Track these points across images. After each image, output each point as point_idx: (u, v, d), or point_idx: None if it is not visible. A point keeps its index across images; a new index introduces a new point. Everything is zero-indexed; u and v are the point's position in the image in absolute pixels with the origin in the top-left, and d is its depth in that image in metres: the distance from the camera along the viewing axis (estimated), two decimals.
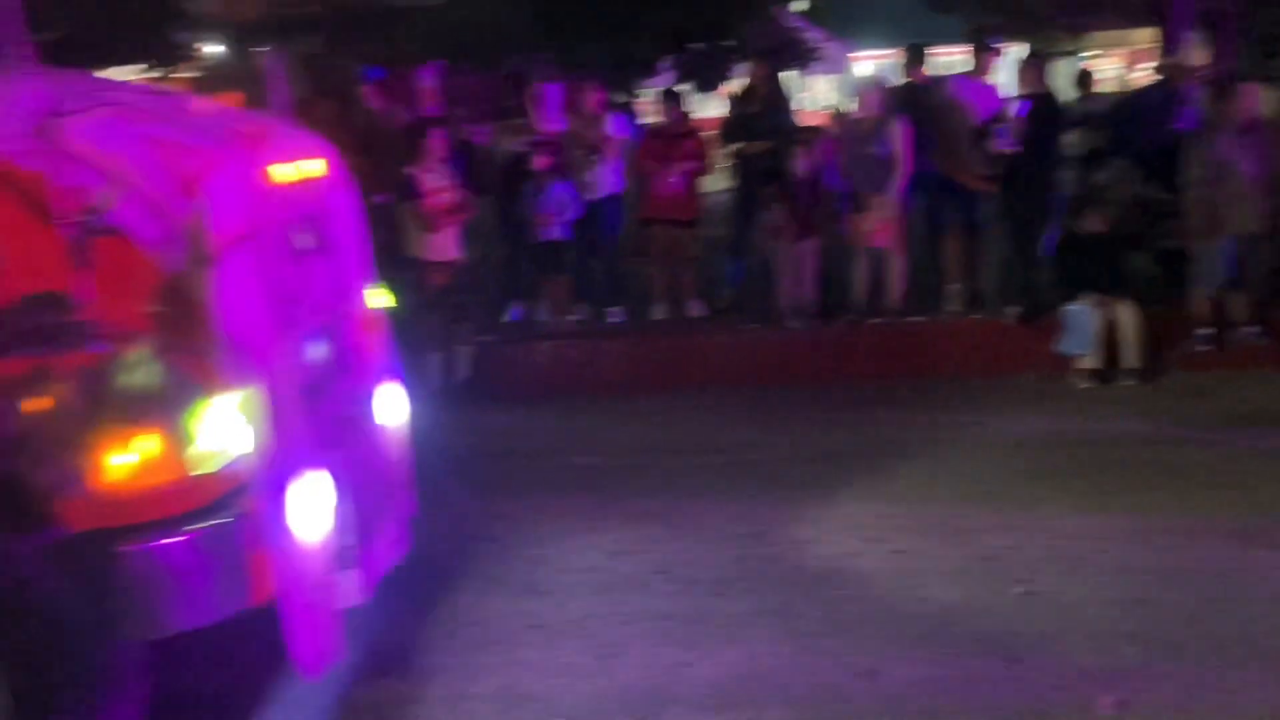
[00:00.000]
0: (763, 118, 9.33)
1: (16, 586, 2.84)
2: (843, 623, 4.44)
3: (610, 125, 9.83)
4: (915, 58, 9.40)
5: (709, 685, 4.00)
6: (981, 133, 8.58)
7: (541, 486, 6.08)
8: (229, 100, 5.18)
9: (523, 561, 5.05)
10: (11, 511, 2.83)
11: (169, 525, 2.96)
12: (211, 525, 3.03)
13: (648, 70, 15.53)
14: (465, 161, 8.81)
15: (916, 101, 8.94)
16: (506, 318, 9.29)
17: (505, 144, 9.73)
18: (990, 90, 8.98)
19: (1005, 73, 9.62)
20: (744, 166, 9.51)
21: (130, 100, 3.42)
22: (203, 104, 3.97)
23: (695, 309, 9.37)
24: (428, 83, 10.09)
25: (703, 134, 9.71)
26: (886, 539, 5.28)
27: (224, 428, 3.08)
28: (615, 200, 9.61)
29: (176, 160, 3.14)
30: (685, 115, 9.77)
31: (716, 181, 10.36)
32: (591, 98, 9.70)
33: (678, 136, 9.38)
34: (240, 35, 16.37)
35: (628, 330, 9.19)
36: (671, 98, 9.88)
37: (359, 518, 3.69)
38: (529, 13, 14.28)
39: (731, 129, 9.76)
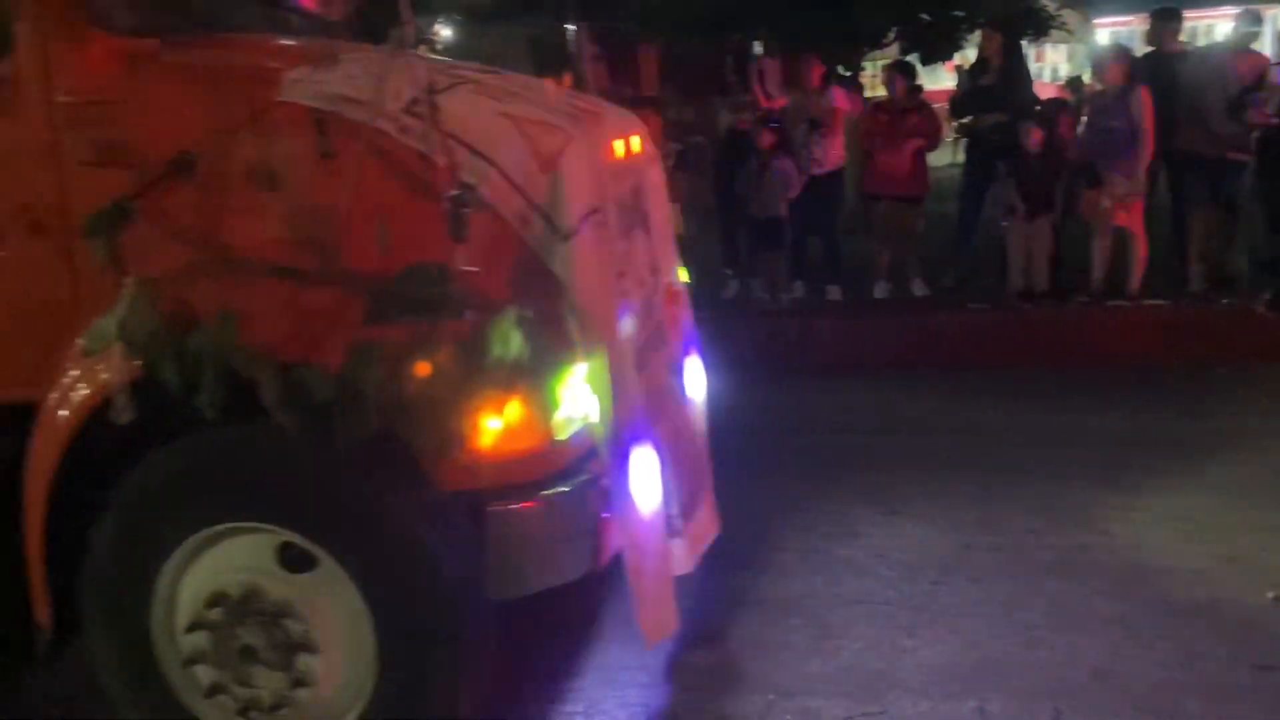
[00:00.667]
0: (996, 90, 8.98)
1: (397, 540, 3.05)
2: (1072, 618, 4.27)
3: (833, 99, 9.71)
4: (1164, 23, 8.82)
5: (931, 671, 3.95)
6: (1238, 103, 7.99)
7: (760, 462, 6.10)
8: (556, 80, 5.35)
9: (741, 539, 5.10)
10: (394, 469, 3.02)
11: (532, 488, 3.10)
12: (568, 489, 3.15)
13: (872, 42, 15.16)
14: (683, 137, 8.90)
15: (1163, 70, 8.40)
16: (723, 294, 9.34)
17: (726, 120, 9.76)
18: (1250, 57, 8.34)
19: (1270, 40, 8.90)
20: (975, 141, 9.20)
21: (484, 79, 3.59)
22: (544, 83, 4.11)
23: (918, 287, 9.15)
24: (648, 59, 10.25)
25: (932, 107, 9.44)
26: (1122, 533, 5.04)
27: (578, 395, 3.22)
28: (836, 175, 9.49)
29: (536, 136, 3.27)
30: (914, 88, 9.52)
31: (943, 156, 10.06)
32: (814, 71, 9.60)
33: (905, 111, 9.16)
34: (468, 17, 16.93)
35: (848, 308, 9.07)
36: (900, 70, 9.64)
37: (680, 489, 3.78)
38: None
39: (963, 102, 9.46)
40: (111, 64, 3.20)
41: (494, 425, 3.05)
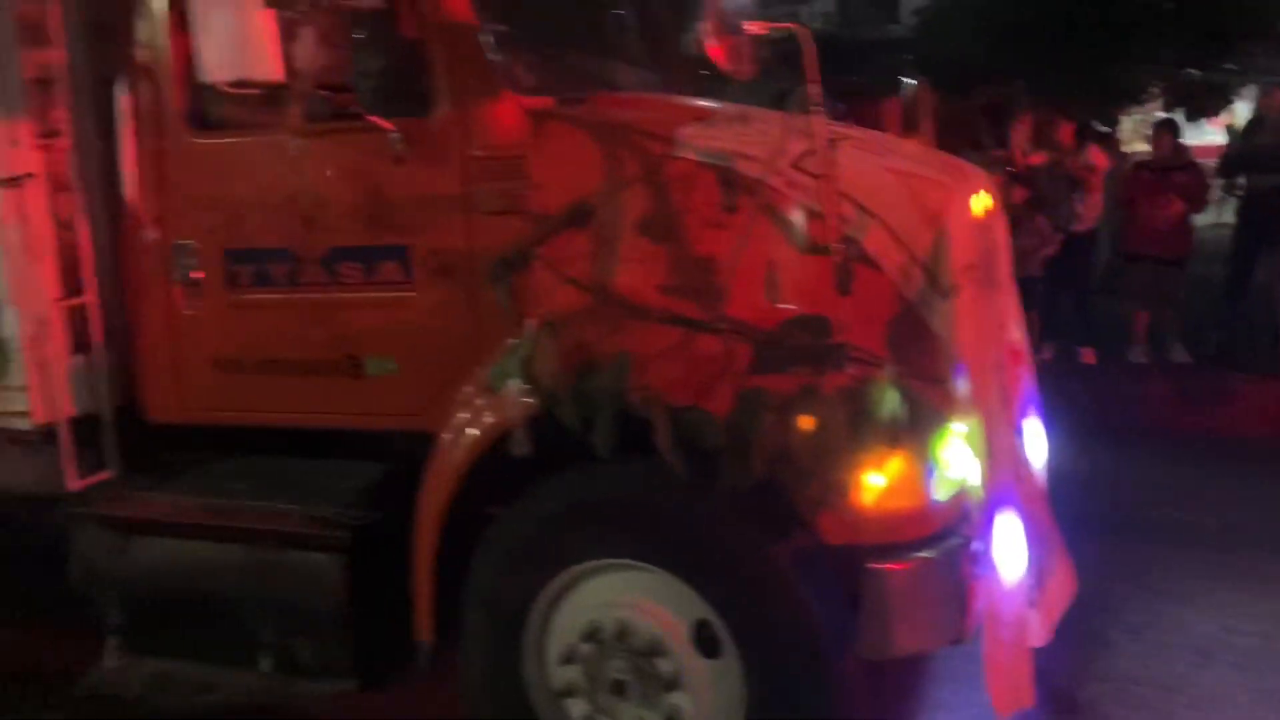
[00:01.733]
0: (1274, 148, 8.58)
1: (770, 587, 3.11)
2: None
3: (1090, 155, 9.46)
4: None
5: None
6: None
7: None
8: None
9: (1121, 616, 4.89)
10: (773, 516, 3.08)
11: (909, 548, 3.09)
12: (944, 552, 3.13)
13: (1132, 97, 14.66)
14: None
15: None
16: None
17: None
18: None
19: None
20: (1248, 202, 8.80)
21: (858, 134, 3.70)
22: (908, 139, 4.16)
23: (1178, 353, 8.77)
24: (898, 114, 10.21)
25: (1199, 166, 9.09)
26: None
27: (957, 456, 3.20)
28: (1090, 233, 9.23)
29: (920, 191, 3.36)
30: (1181, 146, 9.19)
31: (1207, 215, 9.66)
32: (1071, 127, 9.38)
33: (1170, 169, 8.85)
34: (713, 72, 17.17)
35: (1103, 371, 8.76)
36: (1167, 127, 9.32)
37: (1034, 555, 3.68)
38: (1004, 41, 13.90)
39: (1235, 161, 9.07)
40: (518, 121, 3.44)
41: (876, 481, 3.08)
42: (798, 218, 3.20)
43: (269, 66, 3.27)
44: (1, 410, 3.82)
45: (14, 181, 3.67)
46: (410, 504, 3.49)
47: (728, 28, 3.12)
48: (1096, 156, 9.55)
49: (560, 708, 3.39)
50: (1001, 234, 4.05)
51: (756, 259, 3.20)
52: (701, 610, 3.21)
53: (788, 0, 16.59)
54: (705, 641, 3.21)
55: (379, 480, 3.78)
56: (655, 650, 3.27)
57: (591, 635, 3.33)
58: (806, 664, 3.14)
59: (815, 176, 3.12)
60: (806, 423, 3.02)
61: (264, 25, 3.25)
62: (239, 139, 3.72)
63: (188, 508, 3.83)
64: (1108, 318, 9.20)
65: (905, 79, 4.33)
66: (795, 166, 3.26)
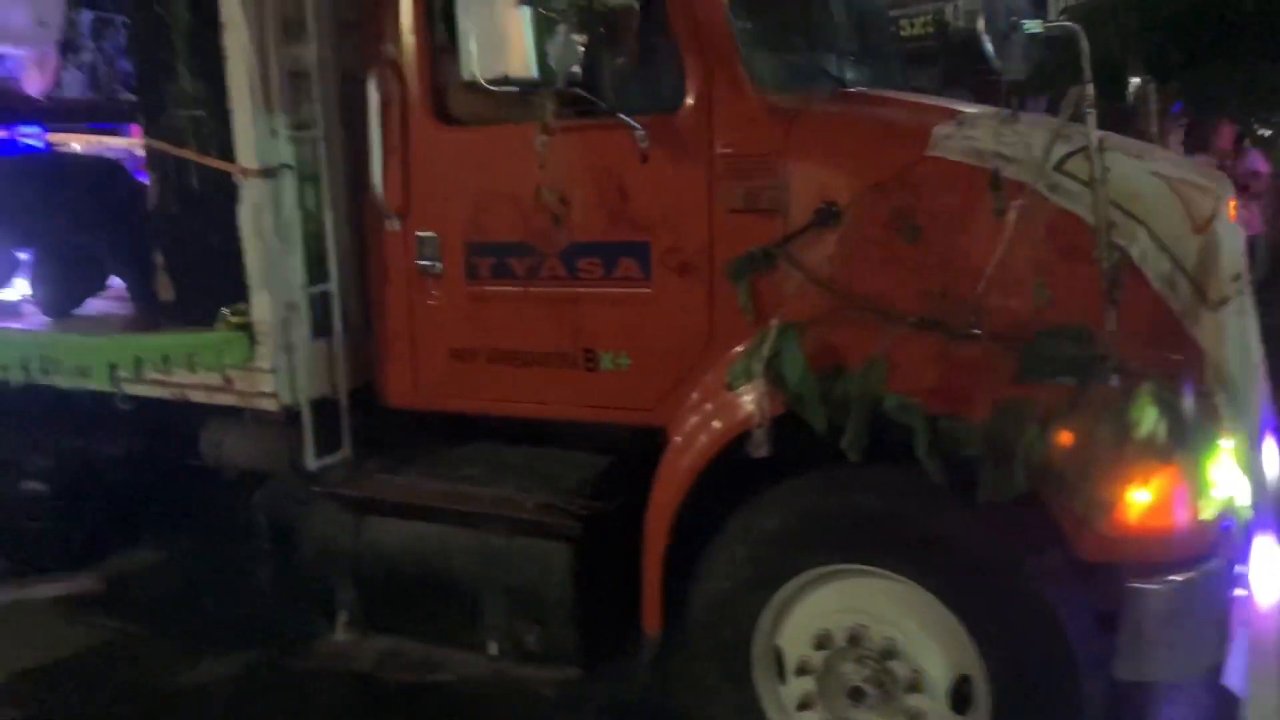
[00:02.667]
0: None
1: (1023, 601, 3.03)
2: None
3: (1253, 161, 9.02)
4: None
5: None
6: None
7: None
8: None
9: None
10: (1031, 530, 3.02)
11: (1173, 567, 2.99)
12: (1207, 573, 3.03)
13: None
14: None
15: None
16: None
17: None
18: None
19: None
20: None
21: (1116, 139, 3.58)
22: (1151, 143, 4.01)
23: None
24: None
25: None
26: None
27: (1224, 474, 3.08)
28: (1251, 242, 8.73)
29: (1189, 198, 3.25)
30: None
31: None
32: (1232, 131, 8.95)
33: None
34: None
35: None
36: None
37: None
38: (1159, 41, 13.25)
39: None
40: (765, 119, 3.42)
41: (1141, 497, 2.96)
42: (1060, 222, 3.11)
43: (526, 63, 3.32)
44: (249, 390, 4.00)
45: (271, 172, 3.82)
46: (636, 496, 3.53)
47: (1004, 27, 3.03)
48: (1259, 162, 9.09)
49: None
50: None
51: (1018, 265, 3.10)
52: (949, 618, 3.14)
53: None
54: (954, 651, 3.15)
55: (605, 471, 3.82)
56: (890, 654, 3.22)
57: (823, 642, 3.31)
58: (1057, 683, 3.05)
59: (1083, 181, 3.01)
60: (1070, 435, 2.93)
61: (520, 22, 3.31)
62: (484, 134, 3.80)
63: (421, 490, 3.95)
64: (1267, 330, 8.69)
65: (1133, 78, 4.10)
66: (1060, 170, 3.16)
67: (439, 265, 3.89)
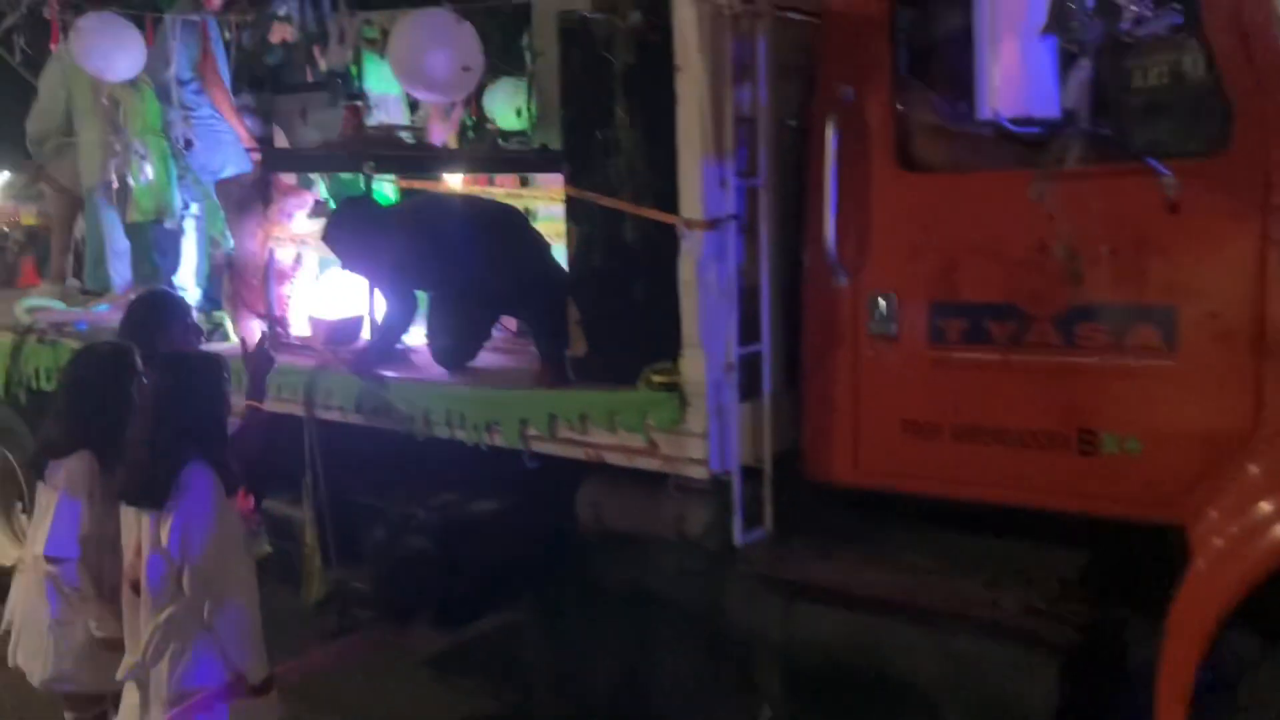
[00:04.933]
0: None
1: None
2: None
3: None
4: None
5: None
6: None
7: None
8: None
9: None
10: None
11: None
12: None
13: None
14: None
15: None
16: None
17: None
18: None
19: None
20: None
21: None
22: None
23: None
24: None
25: None
26: None
27: None
28: None
29: None
30: None
31: None
32: None
33: None
34: None
35: None
36: None
37: None
38: None
39: None
40: None
41: None
42: None
43: (1047, 100, 2.92)
44: (676, 455, 3.71)
45: (717, 224, 3.55)
46: (1129, 603, 3.02)
47: None
48: None
49: None
50: None
51: None
52: None
53: None
54: None
55: (1087, 570, 3.32)
56: None
57: None
58: None
59: None
60: None
61: (1044, 55, 2.91)
62: (958, 181, 3.41)
63: (864, 578, 3.54)
64: None
65: None
66: None
67: (894, 327, 3.51)
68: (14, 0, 6.38)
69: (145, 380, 3.69)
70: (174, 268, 6.13)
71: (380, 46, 5.61)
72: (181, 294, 6.01)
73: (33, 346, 5.71)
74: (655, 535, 4.07)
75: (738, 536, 3.68)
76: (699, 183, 3.54)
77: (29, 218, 7.53)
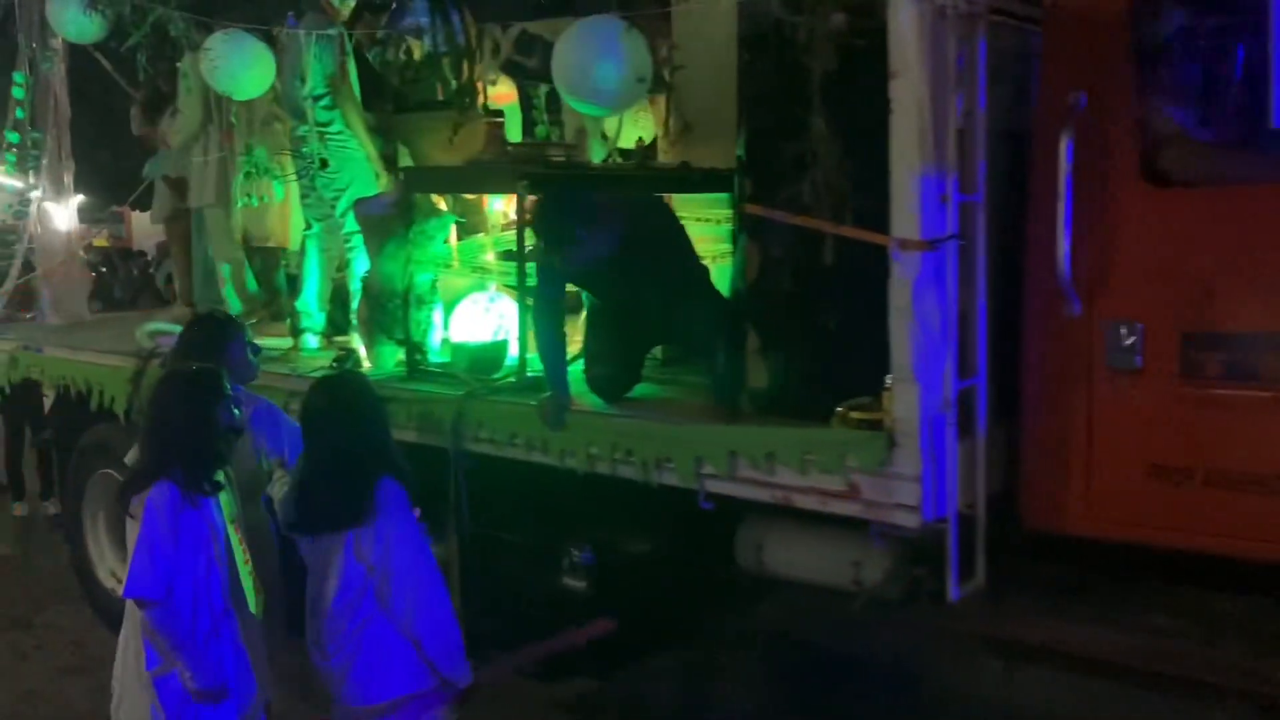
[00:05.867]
0: None
1: None
2: None
3: None
4: None
5: None
6: None
7: None
8: None
9: None
10: None
11: None
12: None
13: None
14: None
15: None
16: None
17: None
18: None
19: None
20: None
21: None
22: None
23: None
24: None
25: None
26: None
27: None
28: None
29: None
30: None
31: None
32: None
33: None
34: None
35: None
36: None
37: None
38: None
39: None
40: None
41: None
42: None
43: None
44: (881, 500, 3.36)
45: (936, 244, 3.22)
46: None
47: None
48: None
49: None
50: None
51: None
52: None
53: None
54: None
55: None
56: None
57: None
58: None
59: None
60: None
61: None
62: (1225, 195, 3.05)
63: (1100, 640, 3.17)
64: None
65: None
66: None
67: (1139, 359, 3.14)
68: (139, 17, 6.24)
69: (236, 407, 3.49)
70: (296, 290, 5.93)
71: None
72: (306, 318, 5.84)
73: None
74: (828, 583, 3.76)
75: (953, 591, 3.32)
76: (915, 199, 3.20)
77: (101, 240, 7.45)
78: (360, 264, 5.42)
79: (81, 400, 5.94)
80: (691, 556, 4.46)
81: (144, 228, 9.49)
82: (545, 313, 4.08)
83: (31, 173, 7.49)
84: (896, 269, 3.26)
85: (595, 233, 3.84)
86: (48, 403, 6.94)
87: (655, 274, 3.91)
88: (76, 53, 7.17)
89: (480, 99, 5.80)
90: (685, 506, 3.95)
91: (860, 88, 3.34)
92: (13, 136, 7.63)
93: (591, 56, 4.02)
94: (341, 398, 3.58)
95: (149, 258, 12.72)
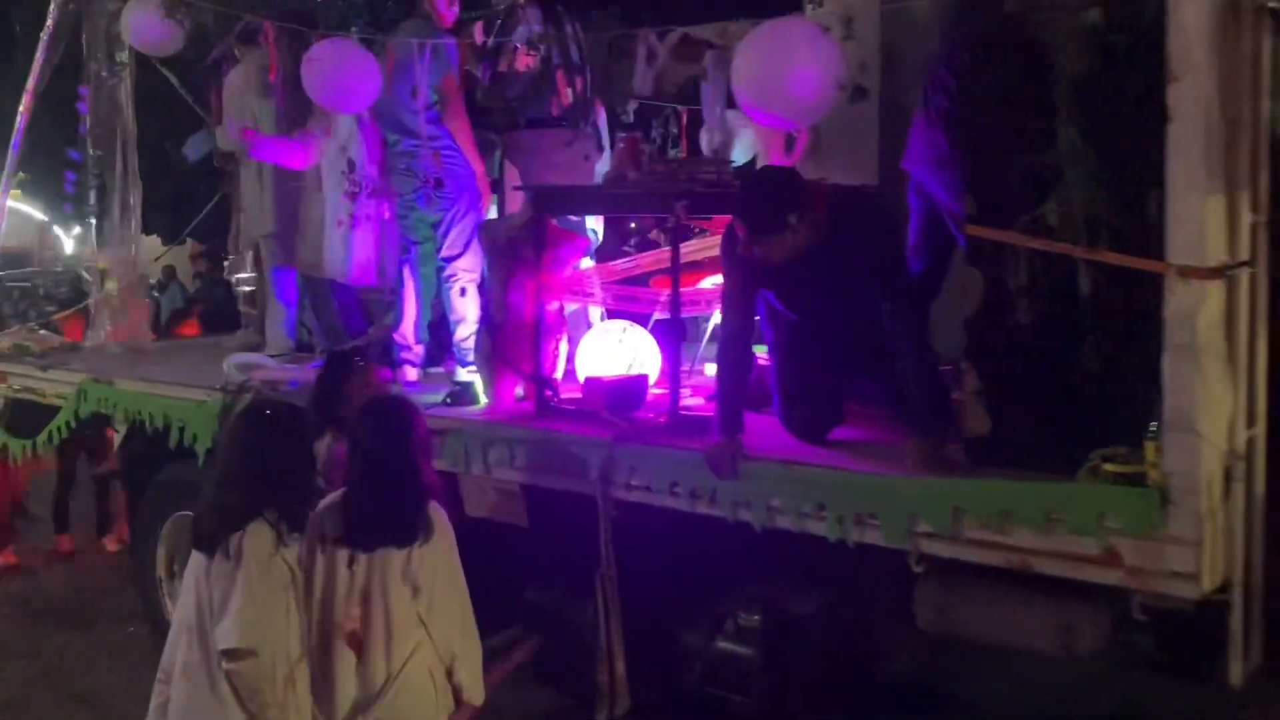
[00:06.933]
0: None
1: None
2: None
3: None
4: None
5: None
6: None
7: None
8: None
9: None
10: None
11: None
12: None
13: None
14: None
15: None
16: None
17: None
18: None
19: None
20: None
21: None
22: None
23: None
24: None
25: None
26: None
27: None
28: None
29: None
30: None
31: None
32: None
33: None
34: None
35: None
36: None
37: None
38: None
39: None
40: None
41: None
42: None
43: None
44: (1149, 567, 2.90)
45: (1225, 272, 2.79)
46: None
47: None
48: None
49: None
50: None
51: None
52: None
53: None
54: None
55: None
56: None
57: None
58: None
59: None
60: None
61: None
62: None
63: None
64: None
65: None
66: None
67: None
68: (223, 29, 5.87)
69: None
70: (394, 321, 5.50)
71: None
72: (405, 350, 5.42)
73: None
74: (1029, 647, 3.31)
75: (1237, 672, 2.87)
76: (1200, 221, 2.77)
77: (103, 263, 7.08)
78: (459, 290, 5.01)
79: (157, 435, 5.51)
80: (865, 617, 4.05)
81: (151, 250, 9.07)
82: (734, 335, 3.66)
83: (92, 193, 7.12)
84: (1175, 301, 2.82)
85: (807, 222, 3.38)
86: (115, 437, 6.47)
87: (865, 286, 3.44)
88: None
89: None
90: (867, 563, 3.53)
91: (1122, 93, 2.93)
92: (74, 156, 7.26)
93: (785, 62, 3.58)
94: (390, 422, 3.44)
95: (152, 282, 12.29)
